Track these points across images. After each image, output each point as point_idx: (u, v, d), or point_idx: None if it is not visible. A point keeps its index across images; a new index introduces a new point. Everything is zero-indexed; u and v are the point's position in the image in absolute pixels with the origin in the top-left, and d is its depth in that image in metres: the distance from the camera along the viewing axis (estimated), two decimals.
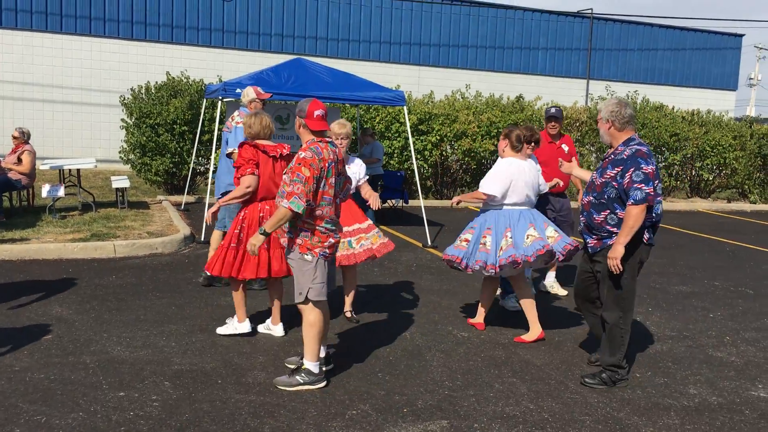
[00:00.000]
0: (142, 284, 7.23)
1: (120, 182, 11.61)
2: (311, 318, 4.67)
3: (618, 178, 4.77)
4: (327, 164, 4.54)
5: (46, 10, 18.55)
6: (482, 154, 15.45)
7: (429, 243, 10.07)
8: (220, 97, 10.71)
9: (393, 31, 22.61)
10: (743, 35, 28.52)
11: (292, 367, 4.92)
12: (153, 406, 4.29)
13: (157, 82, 14.59)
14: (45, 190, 10.38)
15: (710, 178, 18.68)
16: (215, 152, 11.38)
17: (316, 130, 4.63)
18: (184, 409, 4.25)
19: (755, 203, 18.26)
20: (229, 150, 6.88)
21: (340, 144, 5.78)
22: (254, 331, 5.77)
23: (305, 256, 4.58)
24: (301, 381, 4.64)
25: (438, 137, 15.28)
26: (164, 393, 4.49)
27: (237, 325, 5.68)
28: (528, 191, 5.79)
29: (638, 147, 4.81)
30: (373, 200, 5.89)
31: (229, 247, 5.47)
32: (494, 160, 16.05)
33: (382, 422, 4.20)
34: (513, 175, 5.73)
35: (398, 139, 15.00)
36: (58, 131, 18.92)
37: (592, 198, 4.96)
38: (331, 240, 4.64)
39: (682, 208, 17.09)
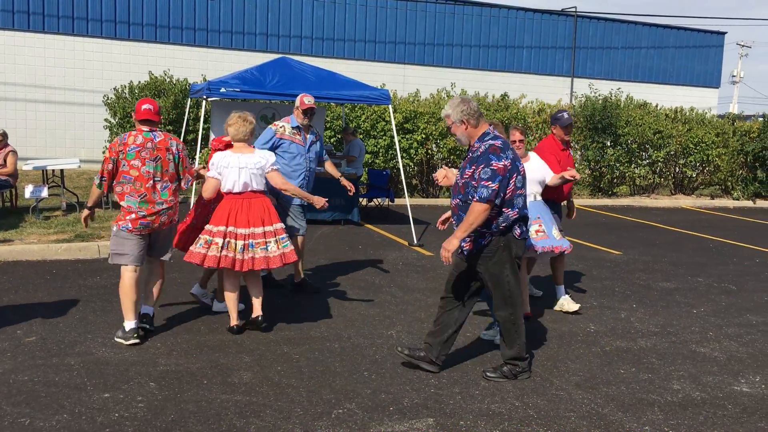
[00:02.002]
0: None
1: None
2: (120, 281, 5.50)
3: (475, 176, 4.72)
4: (128, 148, 5.41)
5: (28, 9, 18.38)
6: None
7: (415, 241, 10.08)
8: (205, 97, 10.68)
9: (378, 29, 22.60)
10: (726, 33, 28.73)
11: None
12: (138, 407, 4.27)
13: (140, 82, 14.51)
14: (28, 190, 10.30)
15: (693, 175, 18.82)
16: (200, 151, 11.33)
17: (139, 119, 5.49)
18: (170, 410, 4.24)
19: (738, 200, 18.42)
20: None
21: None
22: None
23: (113, 228, 5.50)
24: (119, 335, 5.45)
25: (423, 135, 15.30)
26: (150, 394, 4.47)
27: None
28: None
29: (492, 142, 4.76)
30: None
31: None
32: None
33: (369, 421, 4.21)
34: None
35: (384, 137, 15.01)
36: (41, 131, 18.76)
37: (458, 200, 4.89)
38: (133, 215, 5.39)
39: (666, 205, 17.22)
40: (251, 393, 4.55)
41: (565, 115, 6.77)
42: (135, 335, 5.41)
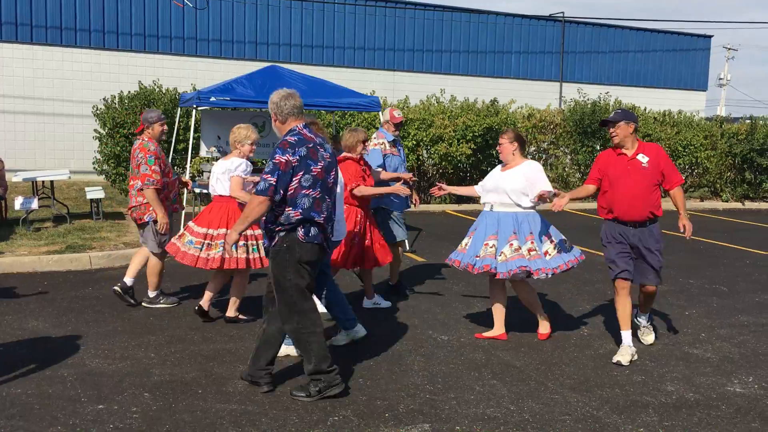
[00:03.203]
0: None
1: (94, 193, 11.50)
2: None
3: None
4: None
5: (16, 20, 18.32)
6: (459, 158, 15.52)
7: (407, 248, 10.09)
8: (195, 106, 10.67)
9: (367, 37, 22.64)
10: (712, 36, 28.93)
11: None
12: (133, 417, 4.26)
13: (130, 92, 14.48)
14: (18, 202, 10.25)
15: (683, 178, 18.93)
16: (191, 161, 11.32)
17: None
18: (165, 420, 4.23)
19: (727, 201, 18.53)
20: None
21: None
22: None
23: None
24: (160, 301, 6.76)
25: (414, 142, 15.32)
26: (144, 404, 4.45)
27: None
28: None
29: (287, 138, 4.58)
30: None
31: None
32: (471, 164, 16.14)
33: (364, 427, 4.21)
34: None
35: None
36: (30, 143, 18.68)
37: None
38: None
39: None
40: (246, 402, 4.54)
41: (612, 115, 5.68)
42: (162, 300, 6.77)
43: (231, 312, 6.28)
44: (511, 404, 4.62)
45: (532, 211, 5.89)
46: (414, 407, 4.53)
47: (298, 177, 4.51)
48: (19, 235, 9.66)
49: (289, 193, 4.52)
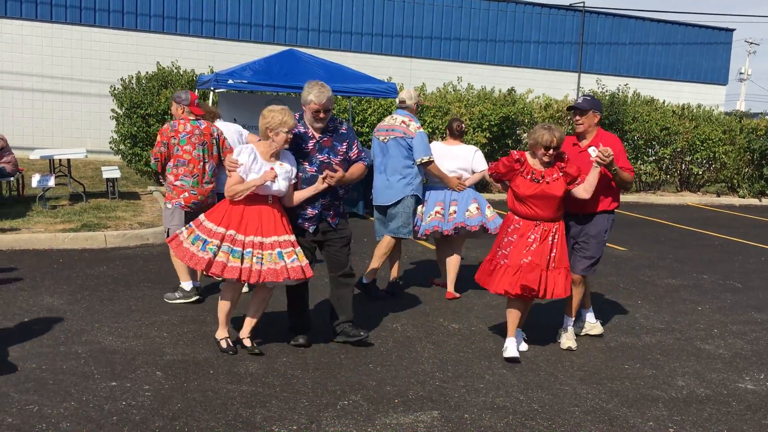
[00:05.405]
0: (133, 274, 7.23)
1: (111, 172, 11.57)
2: (172, 252, 5.77)
3: (347, 152, 5.38)
4: (179, 135, 6.17)
5: None
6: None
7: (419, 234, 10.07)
8: (212, 88, 10.70)
9: (385, 22, 22.56)
10: (734, 30, 28.59)
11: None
12: (145, 395, 4.30)
13: (147, 73, 14.52)
14: (35, 180, 10.34)
15: (700, 172, 18.75)
16: None
17: (193, 110, 6.32)
18: (177, 399, 4.27)
19: (744, 197, 18.36)
20: (425, 159, 6.62)
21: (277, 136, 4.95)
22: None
23: (167, 204, 6.31)
24: (178, 296, 6.28)
25: (430, 130, 15.27)
26: (156, 383, 4.50)
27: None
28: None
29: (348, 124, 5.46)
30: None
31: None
32: (486, 153, 16.09)
33: (374, 412, 4.23)
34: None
35: None
36: (48, 121, 18.80)
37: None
38: (186, 194, 6.21)
39: (672, 201, 17.19)
40: (257, 383, 4.57)
41: (581, 102, 5.53)
42: (195, 293, 6.29)
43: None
44: (521, 394, 4.63)
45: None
46: (424, 394, 4.55)
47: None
48: (36, 213, 9.74)
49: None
